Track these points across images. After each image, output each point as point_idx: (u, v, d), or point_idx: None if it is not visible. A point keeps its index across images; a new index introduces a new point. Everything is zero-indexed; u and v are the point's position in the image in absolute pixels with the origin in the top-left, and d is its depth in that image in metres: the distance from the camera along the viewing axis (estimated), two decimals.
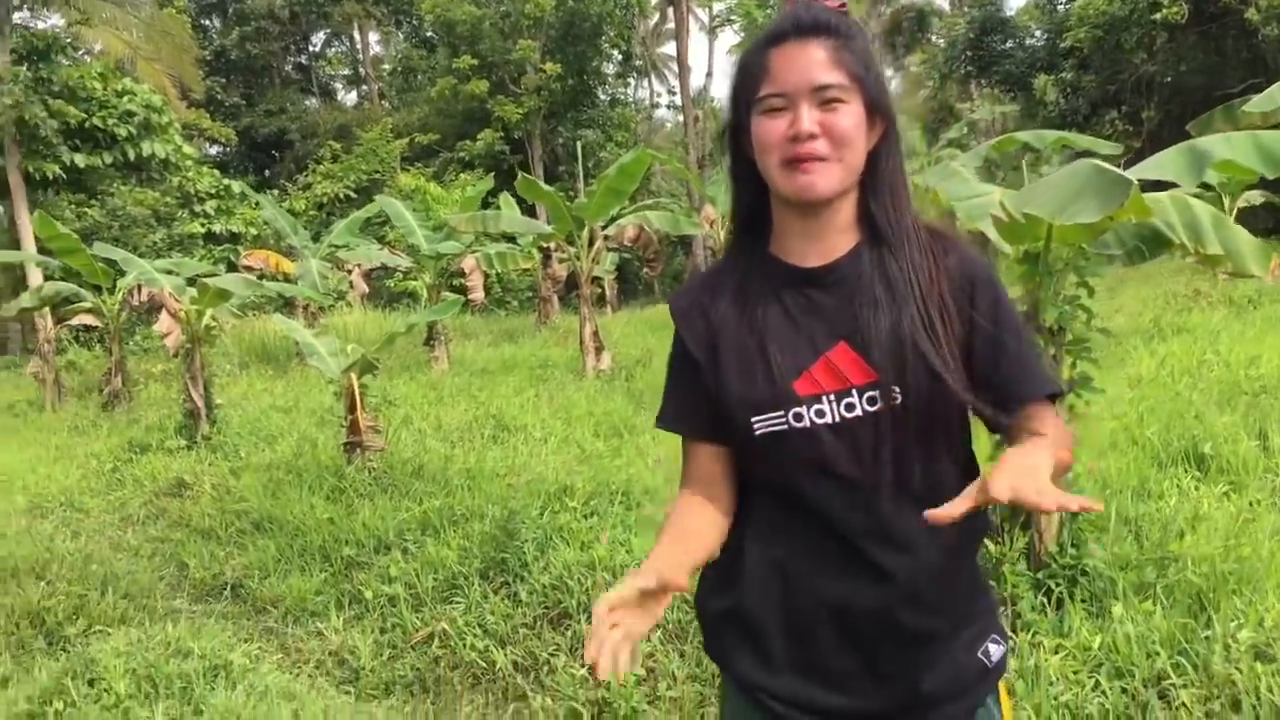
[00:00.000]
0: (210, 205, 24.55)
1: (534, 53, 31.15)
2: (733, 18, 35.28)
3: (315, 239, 18.42)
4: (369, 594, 5.05)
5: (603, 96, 35.69)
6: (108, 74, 22.06)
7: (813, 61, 1.49)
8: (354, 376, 6.86)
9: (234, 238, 24.97)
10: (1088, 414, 4.28)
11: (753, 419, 1.55)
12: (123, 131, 21.96)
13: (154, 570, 6.05)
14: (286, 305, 19.34)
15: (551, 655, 4.22)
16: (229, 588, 5.66)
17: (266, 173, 36.62)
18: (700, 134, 32.22)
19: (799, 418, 1.53)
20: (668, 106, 48.38)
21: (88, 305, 12.52)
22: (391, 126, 32.27)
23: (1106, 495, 4.68)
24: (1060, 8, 26.23)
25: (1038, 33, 26.92)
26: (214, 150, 35.83)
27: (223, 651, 4.41)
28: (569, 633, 4.38)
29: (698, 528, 1.63)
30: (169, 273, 10.81)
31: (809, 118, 1.48)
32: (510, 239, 16.27)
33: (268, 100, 36.78)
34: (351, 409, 6.76)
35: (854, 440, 1.53)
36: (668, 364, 1.71)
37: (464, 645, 4.40)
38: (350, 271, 17.65)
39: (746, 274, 1.63)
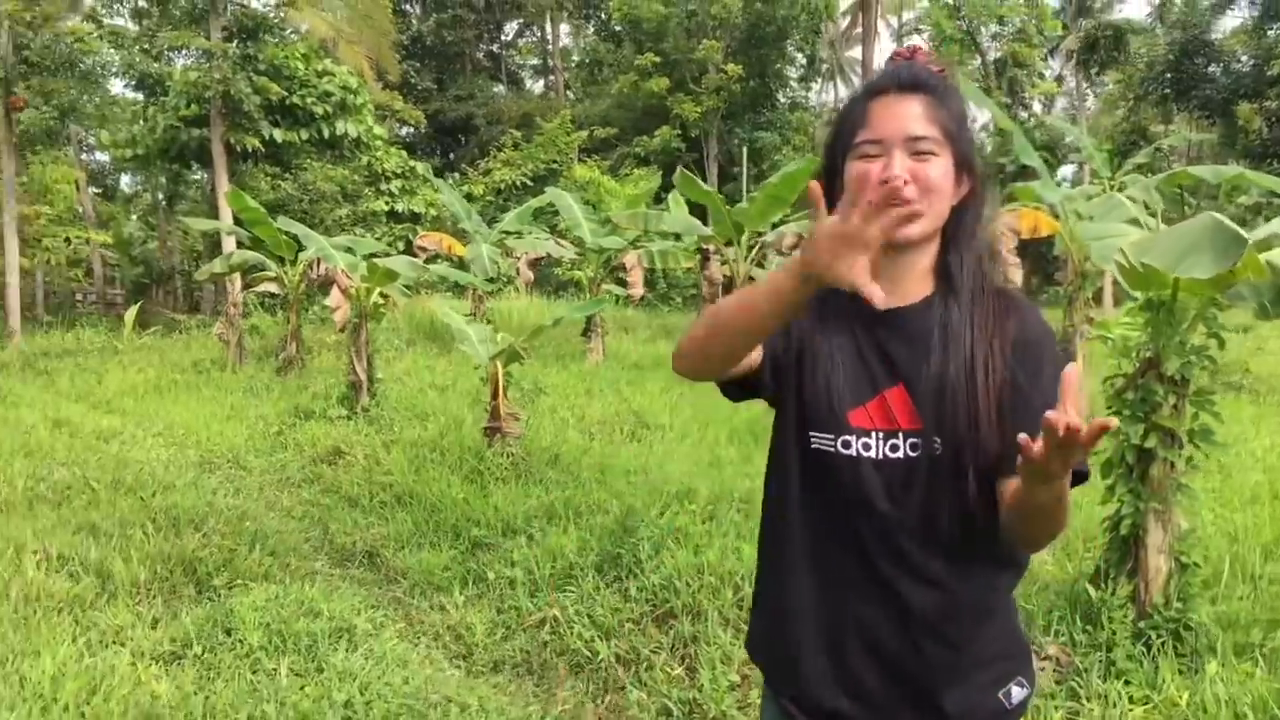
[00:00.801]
0: (395, 185, 25.60)
1: (717, 53, 31.30)
2: (921, 26, 34.64)
3: (490, 224, 19.02)
4: (491, 575, 5.30)
5: (782, 100, 35.56)
6: (311, 54, 23.32)
7: (909, 114, 1.61)
8: (499, 364, 7.14)
9: (414, 217, 25.99)
10: (1228, 465, 4.14)
11: (810, 433, 1.69)
12: (320, 110, 23.19)
13: (301, 532, 6.46)
14: (457, 286, 20.05)
15: (653, 652, 4.35)
16: (365, 555, 6.01)
17: (451, 156, 37.98)
18: None
19: (847, 445, 1.65)
20: None
21: (271, 274, 13.35)
22: (572, 118, 32.96)
23: (1233, 551, 4.51)
24: (1270, 33, 24.76)
25: (1244, 58, 25.52)
26: (404, 132, 37.27)
27: (350, 615, 4.73)
28: (671, 632, 4.50)
29: None
30: (346, 250, 11.41)
31: (900, 164, 1.58)
32: (676, 236, 16.45)
33: (458, 86, 38.14)
34: (495, 395, 7.04)
35: (890, 479, 1.64)
36: None
37: (571, 633, 4.57)
38: (519, 259, 18.15)
39: (830, 304, 1.68)
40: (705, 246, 13.72)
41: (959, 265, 1.68)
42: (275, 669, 4.14)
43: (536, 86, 46.64)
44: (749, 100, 32.92)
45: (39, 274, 23.86)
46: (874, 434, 1.64)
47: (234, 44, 21.18)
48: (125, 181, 39.69)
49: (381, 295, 10.40)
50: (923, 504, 1.62)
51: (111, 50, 23.31)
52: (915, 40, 38.47)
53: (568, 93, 41.91)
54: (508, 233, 17.31)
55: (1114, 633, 3.61)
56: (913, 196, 1.58)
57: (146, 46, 23.68)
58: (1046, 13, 31.93)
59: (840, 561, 1.68)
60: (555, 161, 31.11)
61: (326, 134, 23.30)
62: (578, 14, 41.92)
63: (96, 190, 35.43)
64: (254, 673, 4.14)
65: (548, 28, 44.72)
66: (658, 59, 31.53)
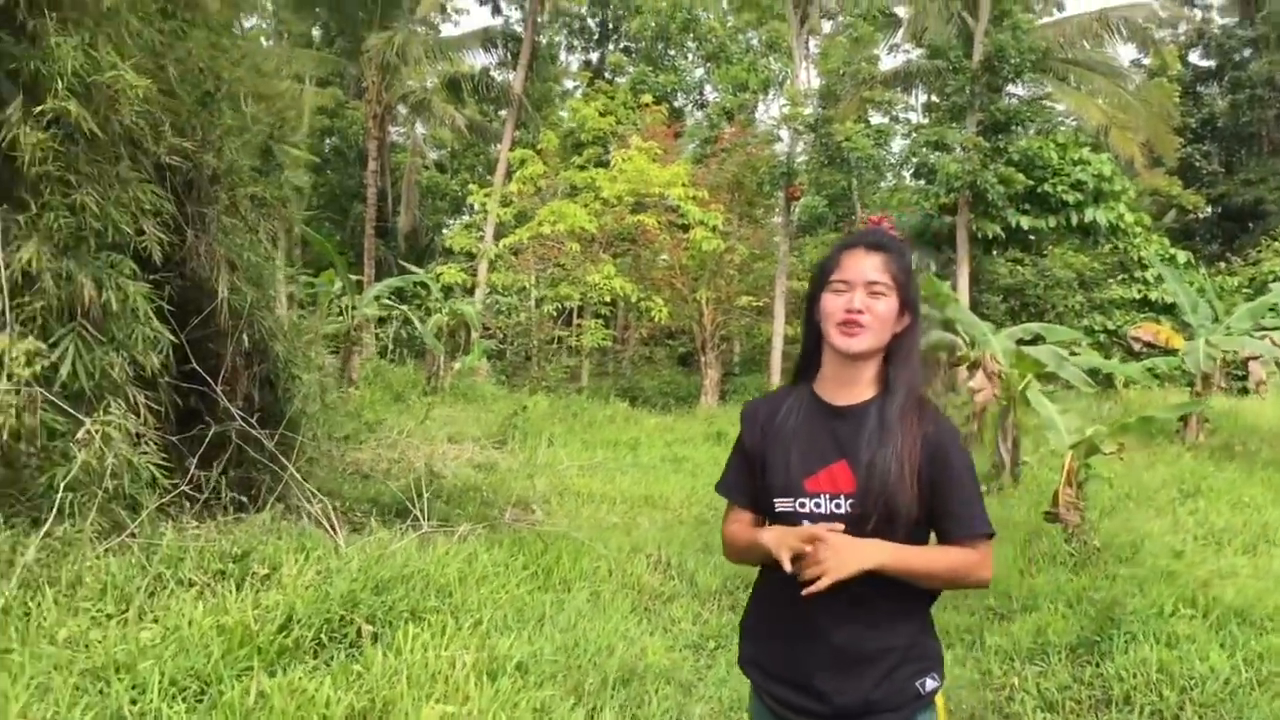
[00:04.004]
0: (1151, 272, 24.79)
1: None
2: None
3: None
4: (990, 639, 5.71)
5: None
6: (1068, 144, 23.77)
7: (870, 265, 2.31)
8: (1074, 454, 7.31)
9: (1169, 308, 24.85)
10: None
11: (775, 499, 2.37)
12: (1071, 198, 23.51)
13: None
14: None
15: None
16: None
17: (1235, 242, 35.13)
18: None
19: (803, 505, 2.31)
20: None
21: (959, 355, 14.24)
22: None
23: None
24: None
25: None
26: (1177, 218, 35.44)
27: None
28: None
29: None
30: (1034, 340, 11.92)
31: (860, 300, 2.28)
32: None
33: (1249, 169, 35.26)
34: (1067, 483, 7.25)
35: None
36: (732, 449, 2.55)
37: None
38: (1251, 356, 16.70)
39: (795, 402, 2.42)
40: None
41: (895, 378, 2.31)
42: None
43: None
44: None
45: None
46: (823, 495, 2.29)
47: (984, 138, 22.48)
48: None
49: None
50: None
51: (902, 139, 26.12)
52: None
53: None
54: (1231, 330, 16.12)
55: None
56: (865, 322, 2.26)
57: (931, 138, 26.20)
58: None
59: (796, 592, 2.24)
60: None
61: (1075, 221, 23.51)
62: None
63: None
64: None
65: None
66: None
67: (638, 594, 6.23)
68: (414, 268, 21.64)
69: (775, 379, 22.45)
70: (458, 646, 4.37)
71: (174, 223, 6.38)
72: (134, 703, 3.62)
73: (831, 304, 2.30)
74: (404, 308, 20.22)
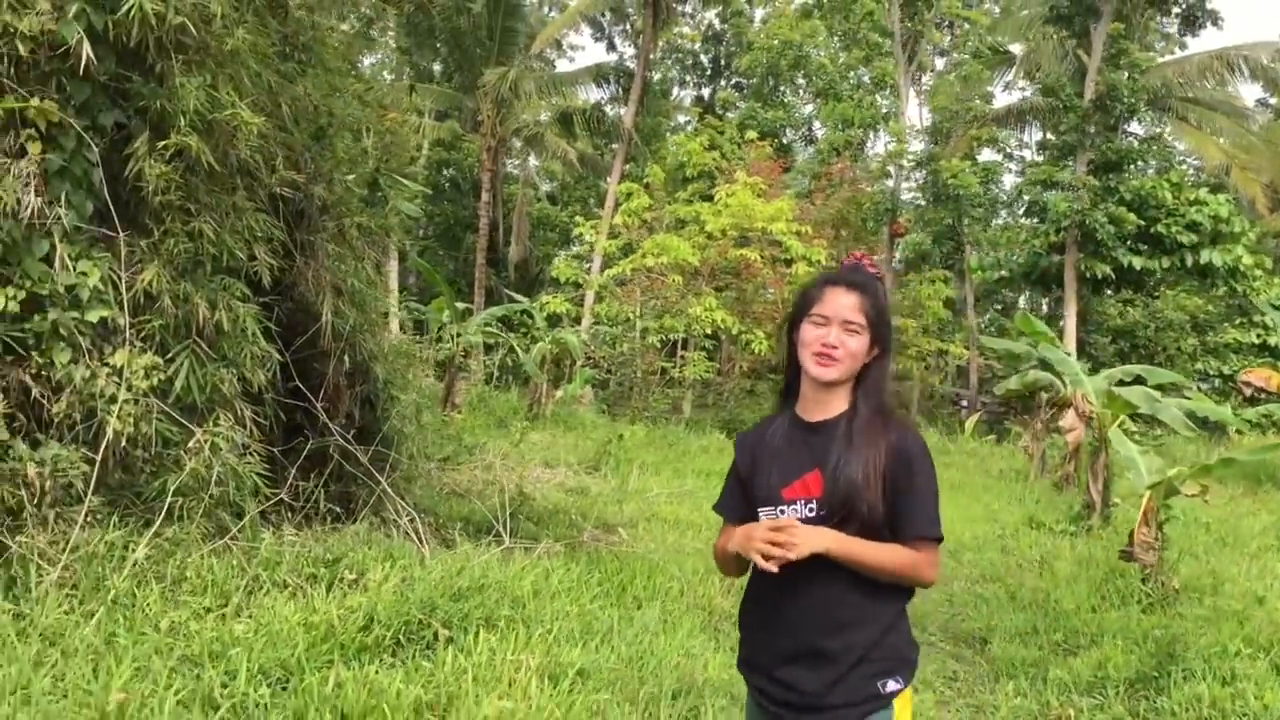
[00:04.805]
0: (1270, 317, 23.96)
1: None
2: None
3: None
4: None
5: None
6: (1181, 184, 23.24)
7: (847, 303, 2.54)
8: (1153, 494, 7.25)
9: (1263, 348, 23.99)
10: None
11: (759, 508, 2.60)
12: (1185, 240, 22.94)
13: (939, 613, 7.37)
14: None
15: None
16: (979, 640, 6.73)
17: None
18: None
19: (782, 512, 2.55)
20: None
21: (1059, 394, 14.08)
22: None
23: None
24: None
25: None
26: None
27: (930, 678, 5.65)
28: None
29: None
30: (1131, 383, 11.77)
31: (835, 335, 2.52)
32: None
33: None
34: (1145, 522, 7.19)
35: None
36: (727, 474, 2.81)
37: None
38: None
39: (779, 424, 2.68)
40: None
41: (864, 399, 2.55)
42: None
43: None
44: None
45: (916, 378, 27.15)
46: (798, 502, 2.52)
47: (1095, 177, 22.13)
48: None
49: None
50: None
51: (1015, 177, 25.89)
52: None
53: None
54: None
55: None
56: (839, 356, 2.50)
57: (1039, 176, 25.90)
58: None
59: (781, 585, 2.48)
60: None
61: (1190, 263, 22.93)
62: None
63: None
64: None
65: None
66: None
67: (707, 614, 6.40)
68: (519, 297, 22.19)
69: None
70: (524, 652, 4.61)
71: (283, 249, 6.84)
72: (224, 686, 3.95)
73: (810, 334, 2.53)
74: (509, 336, 20.77)
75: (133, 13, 5.24)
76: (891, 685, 2.45)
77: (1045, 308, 30.84)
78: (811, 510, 2.47)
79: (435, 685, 4.15)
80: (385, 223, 8.31)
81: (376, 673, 4.16)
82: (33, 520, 5.00)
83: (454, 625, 4.96)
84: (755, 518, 2.58)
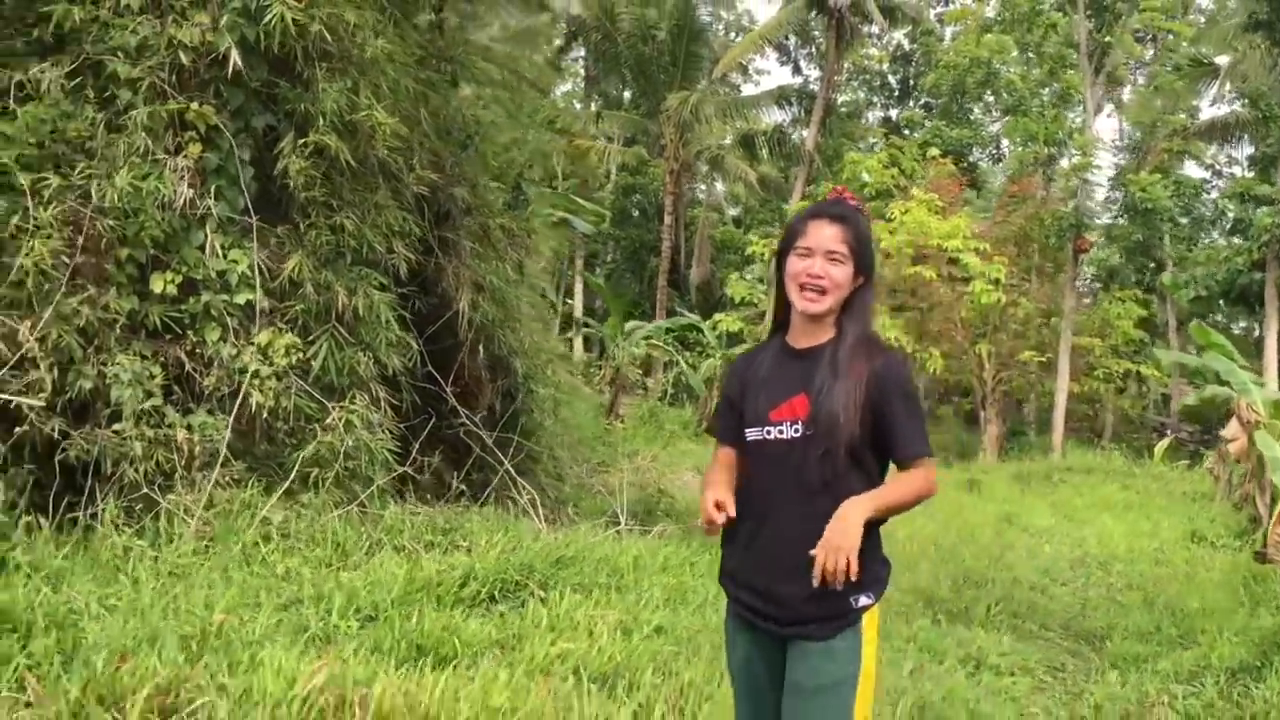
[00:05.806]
0: None
1: None
2: None
3: None
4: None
5: None
6: None
7: (830, 235, 2.66)
8: None
9: None
10: None
11: (747, 429, 2.74)
12: None
13: (1067, 610, 7.18)
14: None
15: None
16: (1099, 637, 6.53)
17: None
18: None
19: (768, 432, 2.68)
20: None
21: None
22: None
23: None
24: None
25: None
26: None
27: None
28: None
29: (727, 479, 2.79)
30: None
31: (819, 265, 2.65)
32: None
33: None
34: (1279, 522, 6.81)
35: (790, 448, 2.64)
36: (718, 398, 2.94)
37: None
38: None
39: (769, 351, 2.81)
40: None
41: (849, 326, 2.66)
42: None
43: None
44: None
45: (1105, 401, 25.73)
46: (784, 422, 2.64)
47: None
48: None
49: None
50: (805, 461, 2.59)
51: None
52: None
53: None
54: None
55: None
56: (824, 285, 2.62)
57: (1238, 190, 24.41)
58: None
59: (765, 500, 2.64)
60: None
61: None
62: None
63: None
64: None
65: None
66: None
67: None
68: (690, 315, 22.51)
69: (1058, 439, 21.45)
70: (606, 609, 4.82)
71: (424, 246, 7.33)
72: (322, 620, 4.33)
73: (796, 266, 2.64)
74: (684, 355, 21.10)
75: (274, 22, 5.80)
76: (863, 600, 2.55)
77: (1258, 330, 28.80)
78: (797, 430, 2.60)
79: (509, 628, 4.41)
80: (528, 225, 8.75)
81: (458, 617, 4.45)
82: (181, 481, 5.57)
83: (550, 587, 5.21)
84: (739, 438, 2.73)
